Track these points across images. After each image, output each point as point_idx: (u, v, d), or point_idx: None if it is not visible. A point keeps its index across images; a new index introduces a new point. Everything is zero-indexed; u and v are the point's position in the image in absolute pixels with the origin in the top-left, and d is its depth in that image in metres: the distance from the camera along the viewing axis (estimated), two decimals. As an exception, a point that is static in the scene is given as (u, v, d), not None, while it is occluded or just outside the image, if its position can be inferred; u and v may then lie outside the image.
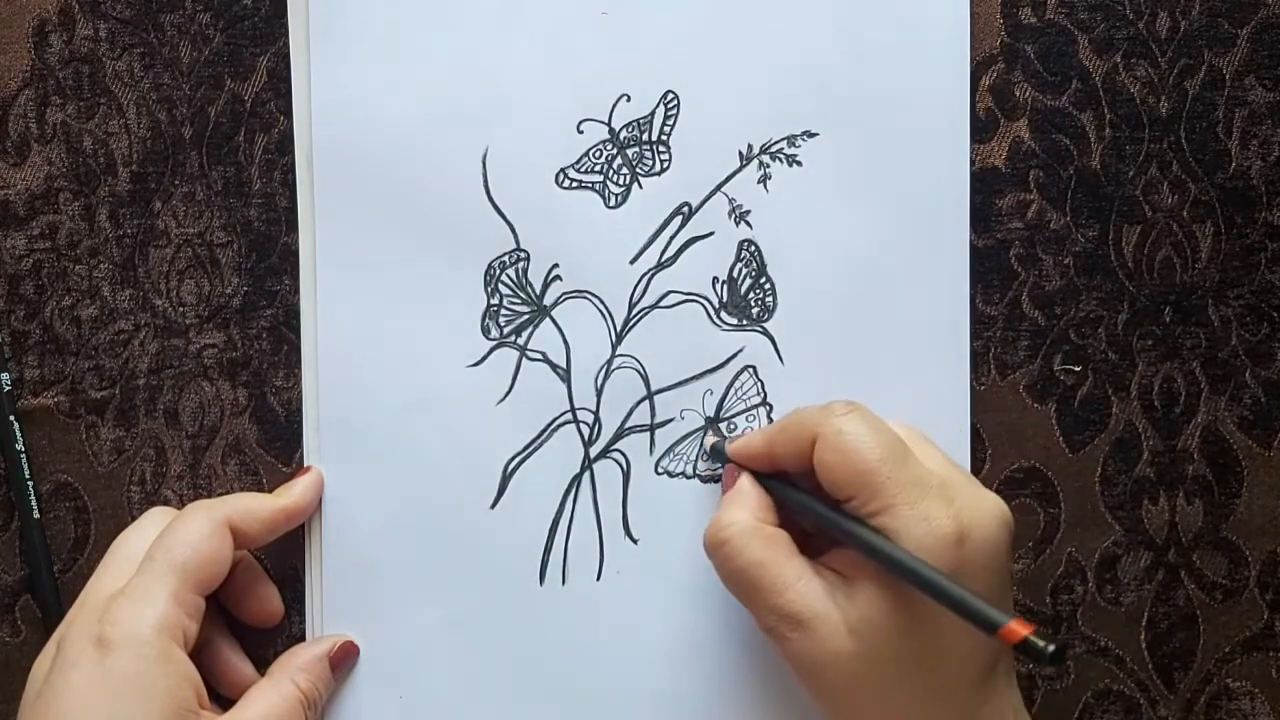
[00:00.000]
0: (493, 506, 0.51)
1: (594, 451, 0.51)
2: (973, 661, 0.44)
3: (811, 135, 0.51)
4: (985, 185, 0.51)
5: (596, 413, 0.51)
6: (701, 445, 0.51)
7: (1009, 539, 0.45)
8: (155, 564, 0.46)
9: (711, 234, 0.51)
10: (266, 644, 0.51)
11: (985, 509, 0.44)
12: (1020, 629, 0.39)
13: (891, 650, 0.43)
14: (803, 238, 0.51)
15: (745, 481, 0.48)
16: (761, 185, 0.51)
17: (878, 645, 0.43)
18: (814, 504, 0.46)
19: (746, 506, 0.47)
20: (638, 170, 0.51)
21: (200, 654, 0.48)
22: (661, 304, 0.51)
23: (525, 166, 0.51)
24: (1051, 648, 0.39)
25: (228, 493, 0.51)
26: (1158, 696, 0.52)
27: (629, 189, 0.51)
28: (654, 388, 0.51)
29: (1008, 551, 0.45)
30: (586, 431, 0.51)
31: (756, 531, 0.46)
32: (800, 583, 0.44)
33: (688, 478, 0.51)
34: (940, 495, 0.44)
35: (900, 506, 0.43)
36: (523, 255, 0.51)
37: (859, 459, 0.44)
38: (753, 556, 0.45)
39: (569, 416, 0.51)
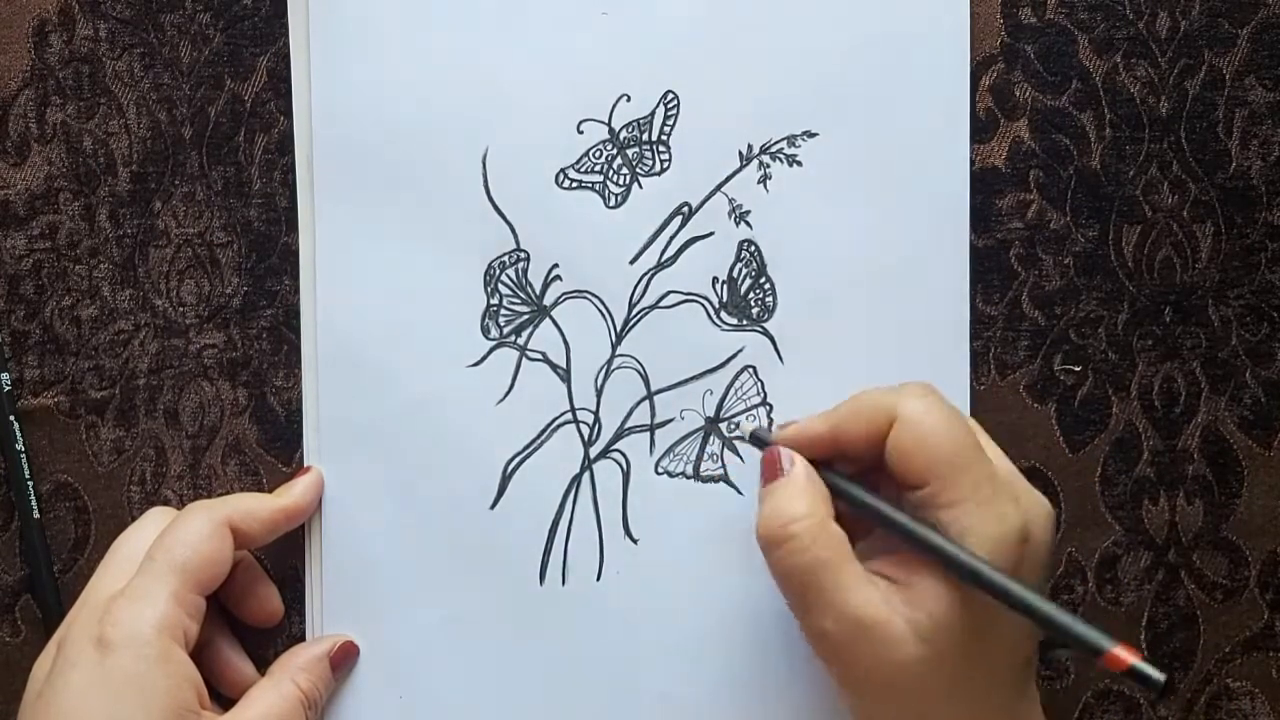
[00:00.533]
0: (493, 506, 0.51)
1: (594, 451, 0.51)
2: (1019, 652, 0.44)
3: (811, 135, 0.51)
4: (985, 185, 0.51)
5: (596, 413, 0.51)
6: (738, 432, 0.50)
7: (1055, 541, 0.45)
8: (155, 564, 0.46)
9: (711, 234, 0.51)
10: (266, 644, 0.51)
11: (1042, 509, 0.44)
12: (1127, 656, 0.39)
13: (956, 652, 0.42)
14: (803, 238, 0.51)
15: (803, 470, 0.44)
16: (761, 185, 0.51)
17: (942, 648, 0.42)
18: (879, 503, 0.44)
19: (806, 498, 0.44)
20: (638, 170, 0.51)
21: (200, 654, 0.48)
22: (661, 304, 0.51)
23: (525, 166, 0.51)
24: (1163, 677, 0.38)
25: (228, 493, 0.51)
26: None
27: (629, 189, 0.51)
28: (654, 388, 0.51)
29: (1053, 554, 0.45)
30: (586, 431, 0.51)
31: (822, 527, 0.43)
32: (866, 587, 0.42)
33: (688, 478, 0.51)
34: (1009, 492, 0.43)
35: (974, 502, 0.42)
36: (523, 255, 0.51)
37: (939, 446, 0.42)
38: (819, 555, 0.42)
39: (569, 416, 0.51)
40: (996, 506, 0.42)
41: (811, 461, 0.45)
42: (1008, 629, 0.42)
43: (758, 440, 0.47)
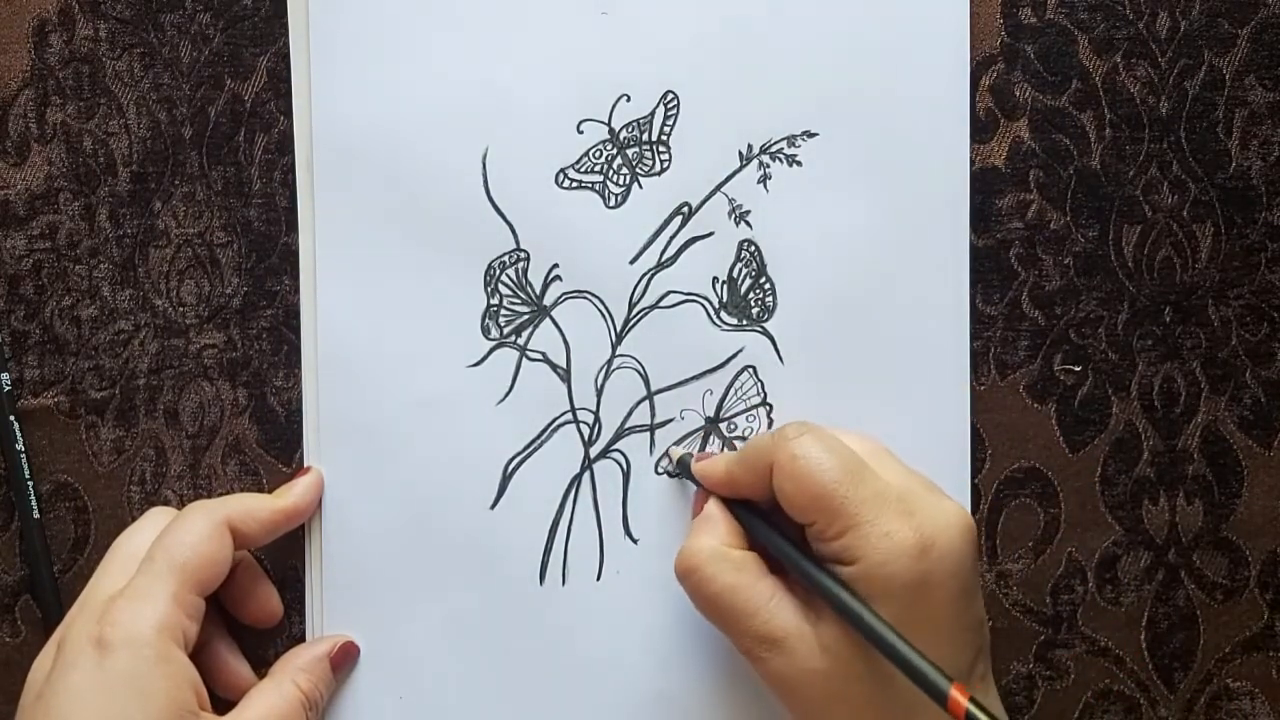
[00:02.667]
0: (493, 506, 0.51)
1: (594, 451, 0.51)
2: (946, 669, 0.44)
3: (811, 135, 0.51)
4: (985, 185, 0.51)
5: (596, 413, 0.51)
6: (667, 456, 0.51)
7: (973, 546, 0.45)
8: (155, 564, 0.46)
9: (711, 234, 0.51)
10: (266, 644, 0.51)
11: (946, 518, 0.44)
12: (961, 698, 0.40)
13: (863, 667, 0.43)
14: (803, 238, 0.51)
15: (712, 506, 0.48)
16: (761, 185, 0.51)
17: (850, 662, 0.43)
18: (773, 538, 0.46)
19: (714, 532, 0.47)
20: (638, 170, 0.51)
21: (198, 655, 0.48)
22: (661, 304, 0.51)
23: (525, 166, 0.51)
24: None
25: (228, 493, 0.51)
26: (1158, 696, 0.52)
27: (629, 189, 0.51)
28: (654, 388, 0.51)
29: (973, 559, 0.45)
30: (586, 431, 0.51)
31: (724, 556, 0.46)
32: (772, 603, 0.45)
33: (688, 478, 0.51)
34: (899, 508, 0.44)
35: (861, 525, 0.43)
36: (523, 255, 0.51)
37: (815, 483, 0.44)
38: (724, 581, 0.45)
39: (569, 416, 0.51)
40: (882, 525, 0.43)
41: (729, 499, 0.48)
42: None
43: (683, 467, 0.50)
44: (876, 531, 0.43)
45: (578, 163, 0.51)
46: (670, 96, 0.51)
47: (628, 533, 0.51)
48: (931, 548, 0.43)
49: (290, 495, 0.50)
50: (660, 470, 0.51)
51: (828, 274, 0.51)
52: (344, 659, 0.50)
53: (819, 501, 0.44)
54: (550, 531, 0.51)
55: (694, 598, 0.47)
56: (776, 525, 0.47)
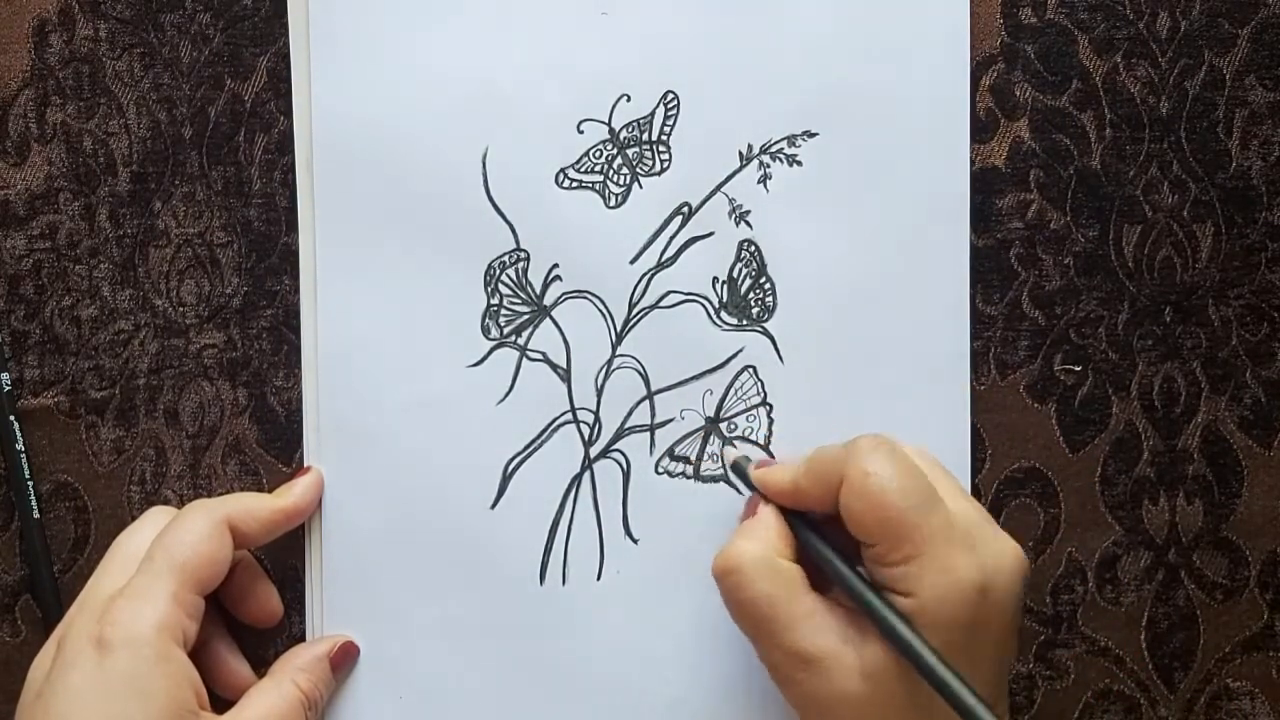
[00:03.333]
0: (493, 506, 0.51)
1: (594, 451, 0.51)
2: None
3: (811, 135, 0.51)
4: (985, 185, 0.51)
5: (596, 413, 0.51)
6: (721, 458, 0.51)
7: (1025, 586, 0.44)
8: (155, 564, 0.46)
9: (711, 234, 0.51)
10: (266, 644, 0.51)
11: (1005, 558, 0.43)
12: None
13: (903, 697, 0.42)
14: (803, 238, 0.51)
15: (769, 513, 0.47)
16: (761, 185, 0.51)
17: (888, 688, 0.42)
18: (829, 555, 0.45)
19: (762, 538, 0.45)
20: (638, 170, 0.51)
21: (198, 654, 0.48)
22: (661, 304, 0.51)
23: (525, 166, 0.51)
24: None
25: (228, 493, 0.51)
26: (1158, 696, 0.52)
27: (629, 189, 0.51)
28: (654, 388, 0.51)
29: (1022, 599, 0.44)
30: (586, 431, 0.51)
31: (768, 563, 0.44)
32: (812, 620, 0.43)
33: (688, 478, 0.51)
34: (965, 542, 0.43)
35: (925, 557, 0.42)
36: (523, 255, 0.51)
37: (886, 504, 0.42)
38: (763, 589, 0.44)
39: (569, 416, 0.51)
40: (947, 560, 0.42)
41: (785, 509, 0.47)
42: None
43: (738, 472, 0.49)
44: (939, 566, 0.42)
45: (578, 163, 0.51)
46: (670, 96, 0.51)
47: (628, 533, 0.51)
48: (991, 589, 0.42)
49: (290, 495, 0.50)
50: (660, 470, 0.51)
51: (828, 274, 0.51)
52: (344, 659, 0.50)
53: (888, 525, 0.42)
54: (550, 531, 0.51)
55: (729, 601, 0.45)
56: (828, 539, 0.45)
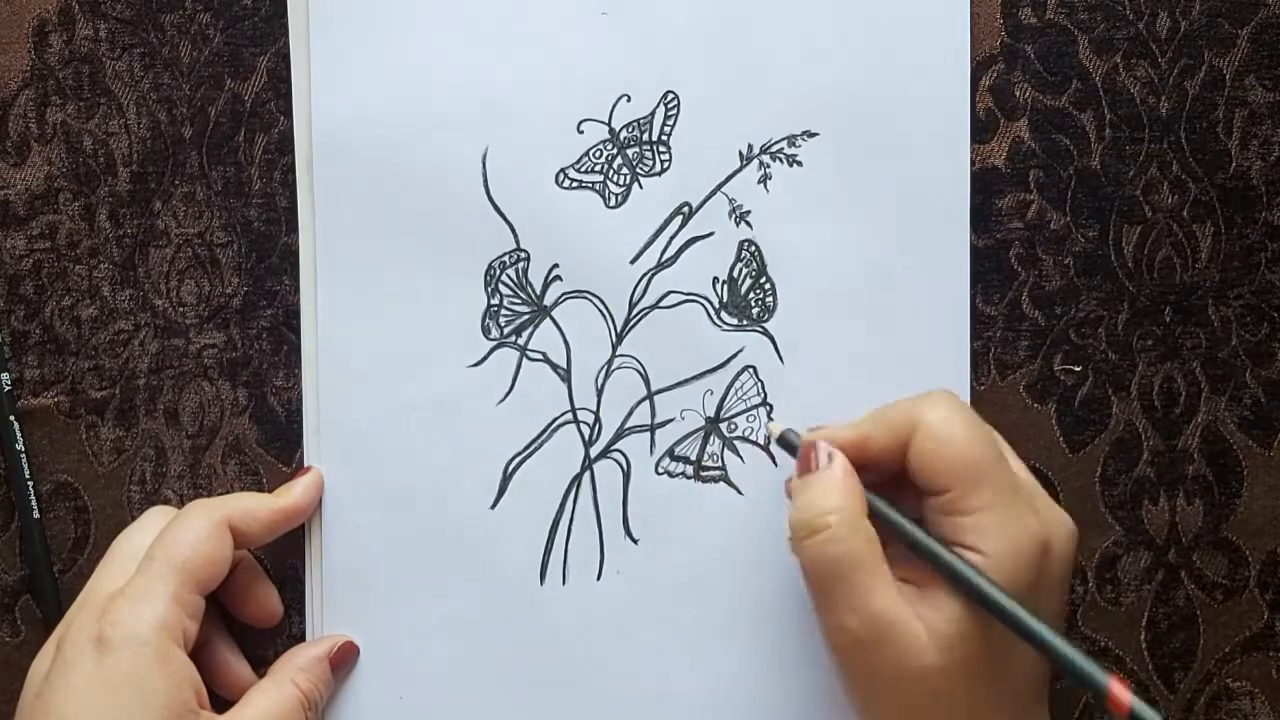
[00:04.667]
0: (493, 506, 0.51)
1: (594, 451, 0.51)
2: (1034, 669, 0.44)
3: (811, 135, 0.51)
4: (985, 185, 0.51)
5: (597, 413, 0.51)
6: (766, 432, 0.50)
7: (1075, 555, 0.45)
8: (155, 564, 0.46)
9: (711, 234, 0.51)
10: (266, 644, 0.51)
11: (1064, 524, 0.44)
12: (1124, 694, 0.38)
13: (973, 663, 0.42)
14: (803, 238, 0.51)
15: (841, 465, 0.44)
16: (761, 185, 0.51)
17: (959, 658, 0.41)
18: (899, 514, 0.44)
19: (850, 493, 0.43)
20: (638, 170, 0.51)
21: (198, 654, 0.48)
22: (662, 304, 0.51)
23: (525, 166, 0.51)
24: (1159, 718, 0.38)
25: (228, 492, 0.51)
26: (1158, 696, 0.52)
27: (629, 189, 0.51)
28: (654, 388, 0.51)
29: (1072, 568, 0.45)
30: (587, 431, 0.51)
31: (859, 523, 0.43)
32: (892, 588, 0.42)
33: (688, 478, 0.51)
34: (1030, 503, 0.43)
35: (998, 507, 0.42)
36: (523, 255, 0.51)
37: (961, 453, 0.43)
38: (853, 548, 0.42)
39: (569, 416, 0.51)
40: (1016, 512, 0.42)
41: None
42: (1025, 647, 0.42)
43: (786, 444, 0.47)
44: (1009, 517, 0.42)
45: (578, 163, 0.51)
46: (670, 96, 0.51)
47: (628, 533, 0.51)
48: (1050, 549, 0.43)
49: (291, 495, 0.50)
50: (660, 470, 0.51)
51: (828, 274, 0.51)
52: (344, 659, 0.50)
53: (961, 470, 0.42)
54: (550, 531, 0.51)
55: (809, 556, 0.43)
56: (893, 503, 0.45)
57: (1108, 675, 0.39)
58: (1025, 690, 0.44)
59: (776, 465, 0.51)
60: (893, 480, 0.46)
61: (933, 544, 0.43)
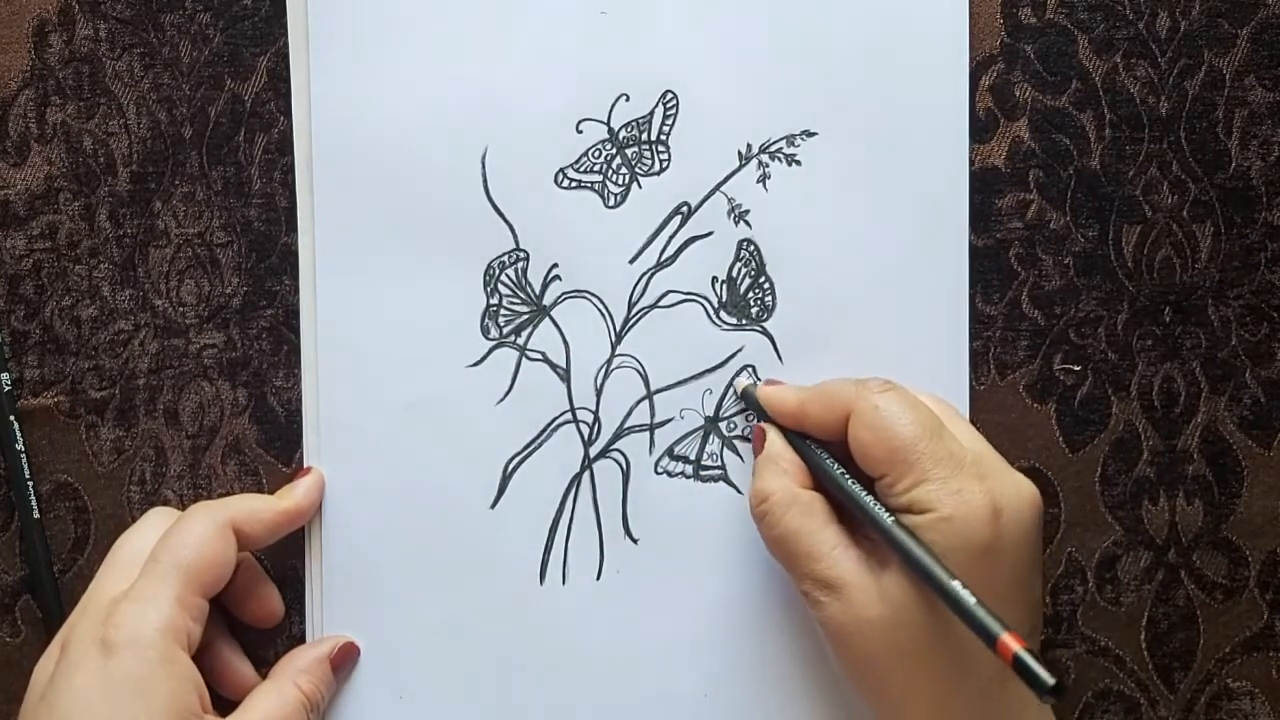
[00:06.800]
0: (493, 506, 0.51)
1: (594, 451, 0.51)
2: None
3: (811, 135, 0.51)
4: (985, 185, 0.51)
5: (596, 412, 0.51)
6: (733, 388, 0.51)
7: (1040, 521, 0.46)
8: (159, 566, 0.46)
9: (711, 234, 0.51)
10: (267, 645, 0.51)
11: (1018, 488, 0.45)
12: (1014, 643, 0.40)
13: (921, 620, 0.43)
14: (802, 237, 0.51)
15: (776, 442, 0.48)
16: (761, 185, 0.51)
17: (908, 614, 0.44)
18: (837, 477, 0.46)
19: (783, 472, 0.47)
20: (637, 170, 0.51)
21: (200, 656, 0.48)
22: (661, 304, 0.51)
23: (525, 166, 0.51)
24: (1052, 681, 0.39)
25: (228, 493, 0.52)
26: (1158, 696, 0.52)
27: (628, 189, 0.51)
28: (654, 387, 0.51)
29: (1038, 533, 0.45)
30: (586, 431, 0.51)
31: (793, 500, 0.46)
32: (835, 550, 0.45)
33: (687, 477, 0.51)
34: (973, 471, 0.44)
35: (934, 481, 0.44)
36: (522, 255, 0.51)
37: (894, 435, 0.45)
38: (790, 525, 0.46)
39: (569, 416, 0.51)
40: (955, 484, 0.44)
41: (792, 435, 0.48)
42: None
43: (747, 398, 0.50)
44: (949, 489, 0.44)
45: (577, 162, 0.51)
46: (669, 96, 0.51)
47: (628, 532, 0.51)
48: (1001, 513, 0.44)
49: (292, 496, 0.50)
50: (660, 470, 0.51)
51: (827, 274, 0.51)
52: (344, 660, 0.50)
53: (895, 454, 0.44)
54: (550, 531, 0.51)
55: (765, 540, 0.47)
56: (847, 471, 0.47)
57: (1003, 629, 0.40)
58: (989, 661, 0.43)
59: (776, 465, 0.51)
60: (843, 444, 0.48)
61: (859, 498, 0.45)
